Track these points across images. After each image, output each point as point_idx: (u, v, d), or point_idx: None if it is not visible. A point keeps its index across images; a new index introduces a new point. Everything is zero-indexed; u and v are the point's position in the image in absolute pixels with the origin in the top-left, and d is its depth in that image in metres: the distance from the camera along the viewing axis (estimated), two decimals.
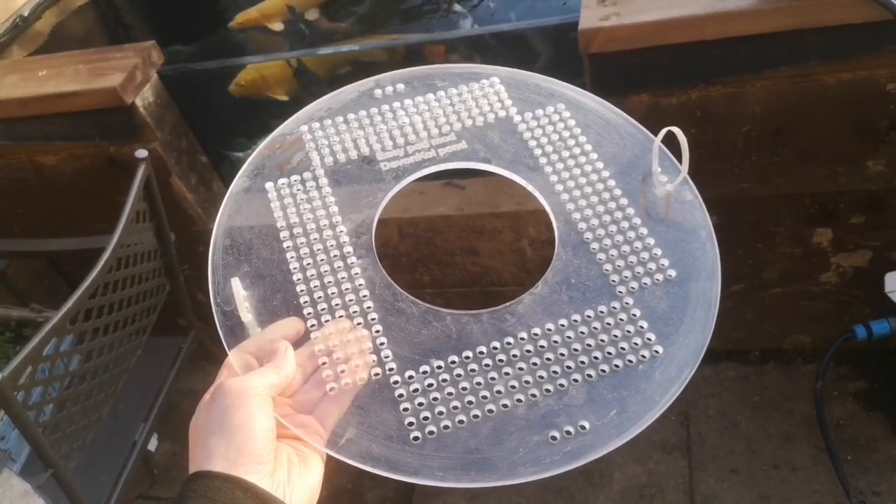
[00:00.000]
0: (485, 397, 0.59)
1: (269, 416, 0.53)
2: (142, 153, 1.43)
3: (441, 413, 0.58)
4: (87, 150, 1.71)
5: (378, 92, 0.80)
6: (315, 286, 0.66)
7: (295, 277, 0.66)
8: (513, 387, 0.59)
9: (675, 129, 0.66)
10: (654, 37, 1.31)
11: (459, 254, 1.74)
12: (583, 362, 0.60)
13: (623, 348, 0.60)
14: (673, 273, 0.65)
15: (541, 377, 0.59)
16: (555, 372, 0.59)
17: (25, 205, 1.88)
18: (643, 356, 0.60)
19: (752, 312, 1.79)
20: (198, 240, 1.81)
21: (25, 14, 2.03)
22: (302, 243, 0.69)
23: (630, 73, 1.38)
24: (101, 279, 1.32)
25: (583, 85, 1.45)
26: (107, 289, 1.35)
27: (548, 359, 0.60)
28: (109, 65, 1.61)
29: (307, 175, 0.74)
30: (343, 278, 0.66)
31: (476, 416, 0.58)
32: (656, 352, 0.60)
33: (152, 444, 1.66)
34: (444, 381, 0.60)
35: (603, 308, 0.63)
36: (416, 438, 0.57)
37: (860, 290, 1.66)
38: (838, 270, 1.64)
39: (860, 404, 1.74)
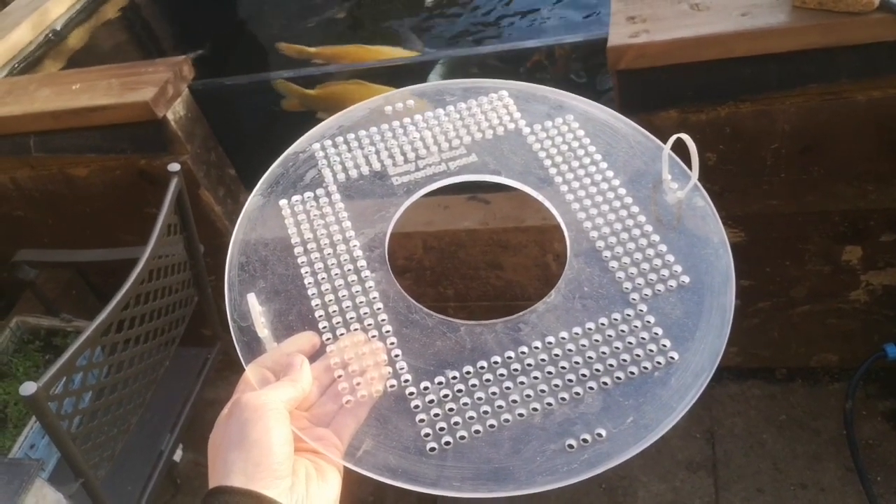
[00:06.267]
0: (501, 407, 0.59)
1: (286, 429, 0.53)
2: (174, 167, 1.45)
3: (457, 423, 0.58)
4: (118, 163, 1.73)
5: (388, 108, 0.82)
6: (330, 300, 0.66)
7: (310, 292, 0.67)
8: (528, 396, 0.59)
9: (685, 136, 0.67)
10: (684, 54, 1.31)
11: (483, 268, 1.74)
12: (598, 370, 0.60)
13: (638, 355, 0.60)
14: (686, 279, 0.64)
15: (556, 385, 0.59)
16: (570, 380, 0.59)
17: (56, 215, 1.91)
18: (658, 363, 0.60)
19: (778, 330, 1.77)
20: (224, 251, 1.82)
21: (58, 28, 2.07)
22: (316, 258, 0.70)
23: (659, 89, 1.38)
24: (134, 291, 1.34)
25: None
26: (138, 300, 1.37)
27: (563, 367, 0.60)
28: (141, 79, 1.63)
29: (320, 191, 0.75)
30: (357, 292, 0.67)
31: (492, 426, 0.58)
32: (672, 358, 0.60)
33: (177, 455, 1.67)
34: (460, 391, 0.60)
35: (617, 315, 0.63)
36: (432, 449, 0.57)
37: (890, 308, 1.64)
38: (868, 289, 1.62)
39: (890, 424, 1.72)
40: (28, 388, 1.16)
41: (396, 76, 1.62)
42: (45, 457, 1.61)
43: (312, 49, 2.01)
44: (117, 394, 1.40)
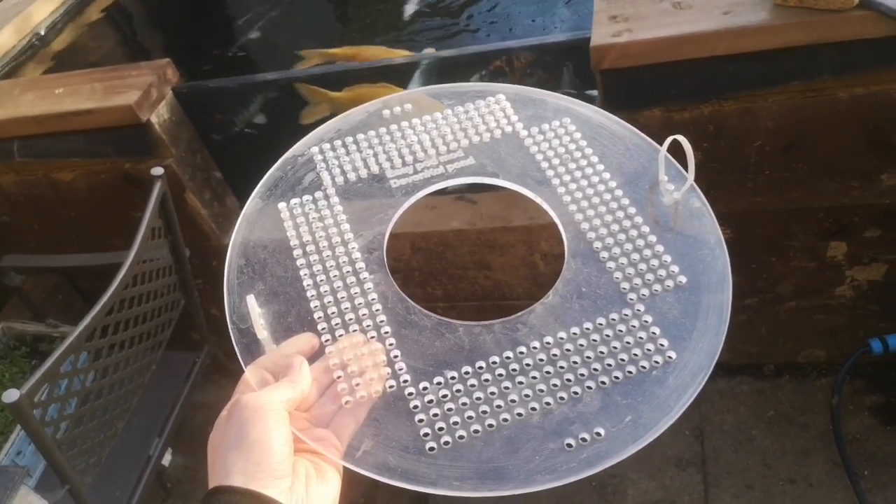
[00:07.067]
0: (499, 407, 0.59)
1: (286, 430, 0.53)
2: (158, 171, 1.45)
3: (456, 423, 0.59)
4: (102, 167, 1.72)
5: (386, 112, 0.82)
6: (328, 302, 0.67)
7: (309, 294, 0.67)
8: (527, 396, 0.59)
9: (680, 138, 0.67)
10: (666, 53, 1.32)
11: (471, 268, 1.74)
12: (596, 370, 0.60)
13: (636, 355, 0.61)
14: (683, 279, 0.65)
15: (554, 385, 0.60)
16: (568, 380, 0.60)
17: (41, 220, 1.90)
18: (656, 362, 0.60)
19: (766, 326, 1.78)
20: (211, 255, 1.82)
21: (42, 32, 2.06)
22: (315, 260, 0.70)
23: (642, 88, 1.39)
24: (118, 296, 1.33)
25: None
26: (123, 305, 1.36)
27: (561, 367, 0.61)
28: (125, 82, 1.62)
29: (319, 194, 0.76)
30: (356, 293, 0.67)
31: (491, 426, 0.58)
32: (670, 357, 0.60)
33: (166, 459, 1.67)
34: (458, 391, 0.60)
35: (614, 316, 0.63)
36: (431, 449, 0.57)
37: (875, 303, 1.66)
38: (853, 284, 1.63)
39: (877, 419, 1.73)
40: (11, 395, 1.15)
41: (386, 76, 1.62)
42: (32, 463, 1.60)
43: (332, 50, 2.00)
44: (103, 399, 1.39)
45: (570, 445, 0.57)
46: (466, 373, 0.61)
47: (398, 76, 1.62)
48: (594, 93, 1.45)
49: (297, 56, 2.02)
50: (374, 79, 1.63)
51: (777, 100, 1.35)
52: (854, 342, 1.64)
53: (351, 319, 0.65)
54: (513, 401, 0.59)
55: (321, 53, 2.00)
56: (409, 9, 2.21)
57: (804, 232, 1.56)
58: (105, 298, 1.30)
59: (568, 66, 1.54)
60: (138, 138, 1.64)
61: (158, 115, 1.63)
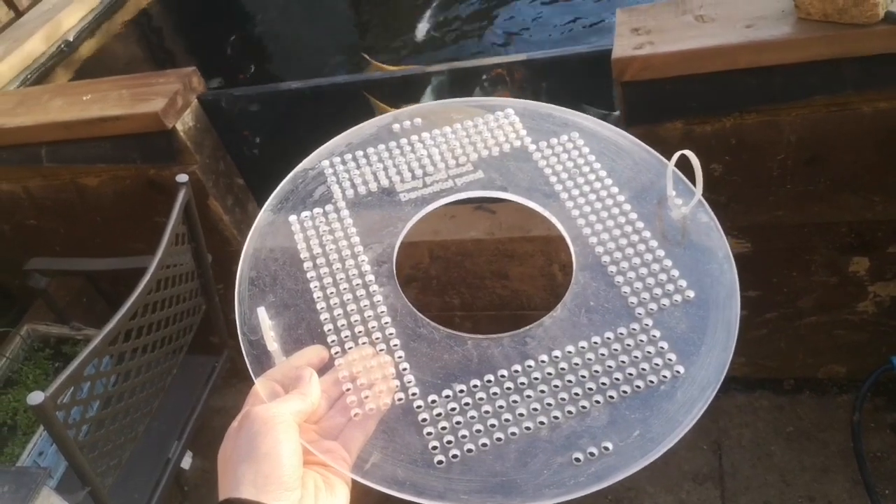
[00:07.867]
0: (507, 420, 0.59)
1: (295, 442, 0.54)
2: (182, 178, 1.46)
3: (464, 436, 0.59)
4: (128, 173, 1.74)
5: (396, 126, 0.83)
6: (338, 314, 0.67)
7: (319, 306, 0.68)
8: (535, 409, 0.59)
9: (688, 153, 0.67)
10: (689, 65, 1.32)
11: (489, 277, 1.74)
12: (604, 384, 0.60)
13: (644, 369, 0.61)
14: (692, 294, 0.65)
15: (563, 399, 0.60)
16: (576, 394, 0.60)
17: (67, 224, 1.93)
18: (664, 376, 0.60)
19: (786, 341, 1.77)
20: (233, 260, 1.83)
21: (71, 39, 2.09)
22: (325, 273, 0.70)
23: (664, 100, 1.39)
24: (142, 301, 1.34)
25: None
26: (146, 310, 1.37)
27: (569, 381, 0.61)
28: (152, 90, 1.65)
29: (329, 207, 0.76)
30: (365, 306, 0.68)
31: (499, 439, 0.58)
32: (678, 372, 0.60)
33: (186, 462, 1.68)
34: (467, 404, 0.60)
35: (622, 330, 0.63)
36: (440, 462, 0.57)
37: None
38: (875, 300, 1.62)
39: None
40: (35, 397, 1.16)
41: (406, 87, 1.64)
42: (53, 464, 1.62)
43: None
44: (125, 402, 1.40)
45: (578, 459, 0.57)
46: (475, 386, 0.61)
47: (414, 89, 1.64)
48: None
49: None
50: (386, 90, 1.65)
51: (800, 113, 1.35)
52: (876, 359, 1.63)
53: (360, 332, 0.66)
54: (521, 414, 0.59)
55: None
56: (422, 28, 2.24)
57: (826, 246, 1.55)
58: (129, 303, 1.31)
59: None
60: (163, 145, 1.66)
61: (183, 123, 1.65)
